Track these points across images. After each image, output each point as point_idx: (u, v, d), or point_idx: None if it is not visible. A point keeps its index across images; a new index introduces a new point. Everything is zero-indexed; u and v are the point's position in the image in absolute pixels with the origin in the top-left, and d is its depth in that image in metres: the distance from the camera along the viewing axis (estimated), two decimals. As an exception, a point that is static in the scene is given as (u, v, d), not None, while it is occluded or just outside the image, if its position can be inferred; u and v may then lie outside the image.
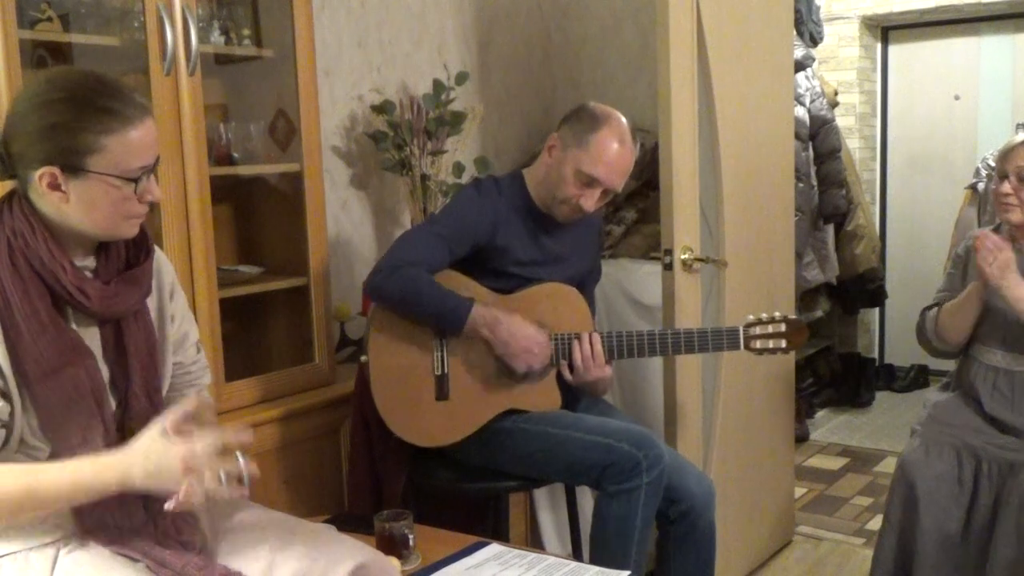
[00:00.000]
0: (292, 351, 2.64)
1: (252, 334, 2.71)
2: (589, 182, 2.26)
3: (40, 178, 1.48)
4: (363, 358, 2.31)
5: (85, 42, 2.27)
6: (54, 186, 1.49)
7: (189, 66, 2.26)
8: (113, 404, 1.61)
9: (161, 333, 1.71)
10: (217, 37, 2.49)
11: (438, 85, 3.08)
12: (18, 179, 1.53)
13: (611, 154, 2.24)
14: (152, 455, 1.44)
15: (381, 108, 3.02)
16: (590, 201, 2.27)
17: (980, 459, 2.44)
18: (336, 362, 2.71)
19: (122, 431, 1.61)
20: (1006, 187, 2.52)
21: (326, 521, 2.17)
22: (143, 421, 1.61)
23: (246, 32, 2.56)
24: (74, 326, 1.57)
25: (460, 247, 2.28)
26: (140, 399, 1.63)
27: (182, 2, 2.24)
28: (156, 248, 1.70)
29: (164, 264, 1.75)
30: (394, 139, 2.99)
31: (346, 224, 3.13)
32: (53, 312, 1.53)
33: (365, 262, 3.17)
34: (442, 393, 2.31)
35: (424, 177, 3.00)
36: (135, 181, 1.52)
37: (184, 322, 1.78)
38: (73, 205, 1.51)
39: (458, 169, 3.11)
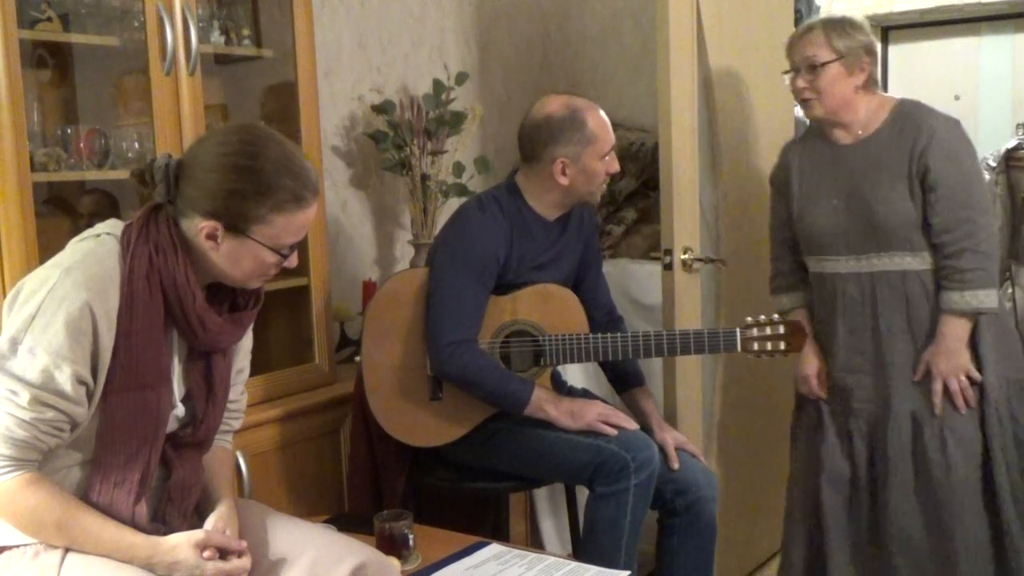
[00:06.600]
0: (292, 351, 2.64)
1: (252, 334, 2.70)
2: (608, 153, 2.37)
3: (201, 228, 1.53)
4: (357, 358, 2.31)
5: (85, 42, 2.27)
6: (211, 237, 1.54)
7: (189, 66, 2.26)
8: (173, 427, 1.64)
9: (230, 369, 1.75)
10: (217, 37, 2.49)
11: (438, 85, 3.08)
12: (175, 205, 1.57)
13: (606, 122, 2.37)
14: (182, 568, 1.52)
15: (381, 108, 3.02)
16: (615, 163, 2.40)
17: (849, 415, 2.50)
18: (336, 362, 2.70)
19: (163, 460, 1.62)
20: (800, 81, 2.41)
21: (326, 521, 2.17)
22: (186, 448, 1.65)
23: (246, 32, 2.55)
24: (169, 352, 1.60)
25: (490, 278, 2.30)
26: (211, 429, 1.69)
27: (182, 2, 2.24)
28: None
29: None
30: (394, 139, 2.99)
31: (346, 224, 3.12)
32: (161, 333, 1.56)
33: (365, 262, 3.17)
34: (435, 393, 2.31)
35: (424, 177, 3.00)
36: (283, 255, 1.59)
37: (244, 358, 1.82)
38: (219, 256, 1.56)
39: (458, 169, 3.10)
